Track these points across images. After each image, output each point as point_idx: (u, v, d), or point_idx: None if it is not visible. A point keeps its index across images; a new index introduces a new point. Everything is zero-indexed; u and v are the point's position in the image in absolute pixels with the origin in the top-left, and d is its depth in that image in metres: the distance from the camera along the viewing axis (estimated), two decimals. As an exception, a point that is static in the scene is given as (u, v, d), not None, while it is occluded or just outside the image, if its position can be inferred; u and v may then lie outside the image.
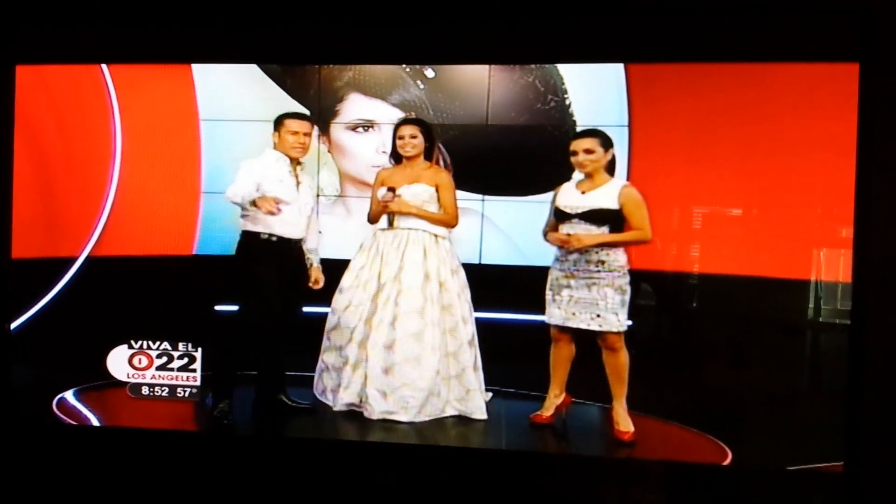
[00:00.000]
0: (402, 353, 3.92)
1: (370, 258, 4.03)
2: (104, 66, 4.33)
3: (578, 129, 4.12)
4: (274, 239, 3.92)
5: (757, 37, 3.65)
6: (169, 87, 4.43)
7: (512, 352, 4.00)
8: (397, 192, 3.97)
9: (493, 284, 4.05)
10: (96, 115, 4.38)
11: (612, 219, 3.71)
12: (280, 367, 4.12)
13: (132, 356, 3.99)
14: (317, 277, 4.11)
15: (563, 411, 3.93)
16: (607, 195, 3.72)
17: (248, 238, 3.94)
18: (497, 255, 4.25)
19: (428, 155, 4.08)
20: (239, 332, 3.97)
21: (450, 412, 4.00)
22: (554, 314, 3.83)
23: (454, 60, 4.25)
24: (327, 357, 4.10)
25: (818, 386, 3.90)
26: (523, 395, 4.13)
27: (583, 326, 3.76)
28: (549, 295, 3.85)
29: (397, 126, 4.09)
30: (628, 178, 4.09)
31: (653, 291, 4.18)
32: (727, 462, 3.63)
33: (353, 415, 3.97)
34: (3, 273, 4.08)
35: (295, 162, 4.01)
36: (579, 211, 3.74)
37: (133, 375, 3.99)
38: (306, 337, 4.14)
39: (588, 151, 3.75)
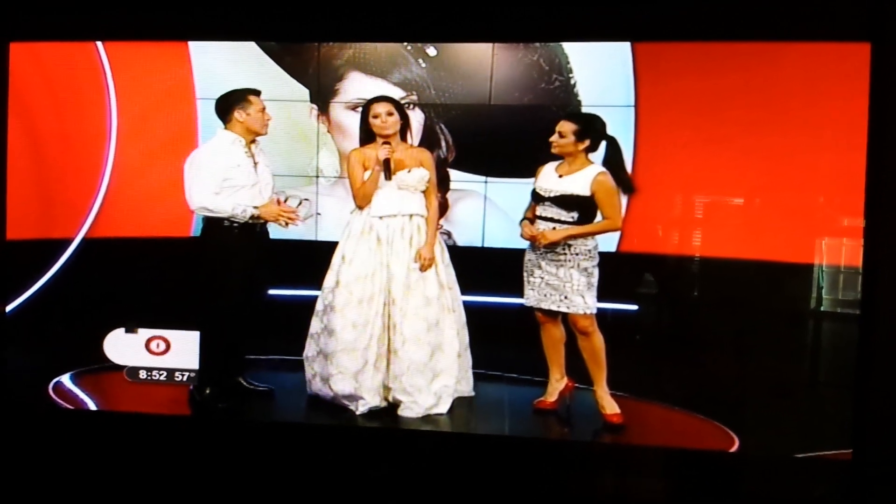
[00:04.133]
0: (429, 343, 3.78)
1: (370, 246, 3.80)
2: (99, 44, 4.26)
3: (583, 109, 4.07)
4: (236, 226, 3.76)
5: (766, 15, 3.58)
6: (165, 66, 4.37)
7: (515, 336, 3.95)
8: (396, 174, 3.82)
9: (496, 268, 4.00)
10: (91, 94, 4.33)
11: (582, 205, 3.63)
12: (241, 350, 4.03)
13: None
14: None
15: (566, 396, 3.88)
16: (581, 181, 3.64)
17: (211, 224, 3.78)
18: (500, 237, 4.20)
19: (403, 133, 3.89)
20: (206, 318, 3.89)
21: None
22: (529, 296, 3.80)
23: (457, 39, 4.19)
24: (342, 360, 3.77)
25: (826, 373, 3.88)
26: (527, 380, 4.09)
27: (553, 308, 3.72)
28: (524, 277, 3.82)
29: (369, 105, 3.84)
30: (634, 159, 4.04)
31: (658, 276, 4.14)
32: (734, 449, 3.60)
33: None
34: (-2, 255, 4.03)
35: (250, 141, 3.82)
36: (552, 195, 3.67)
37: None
38: (268, 320, 4.03)
39: (560, 134, 3.65)
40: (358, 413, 3.79)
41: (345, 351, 3.77)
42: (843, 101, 3.61)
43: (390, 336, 3.78)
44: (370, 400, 3.79)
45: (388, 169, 3.76)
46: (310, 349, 3.95)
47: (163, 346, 4.00)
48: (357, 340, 3.76)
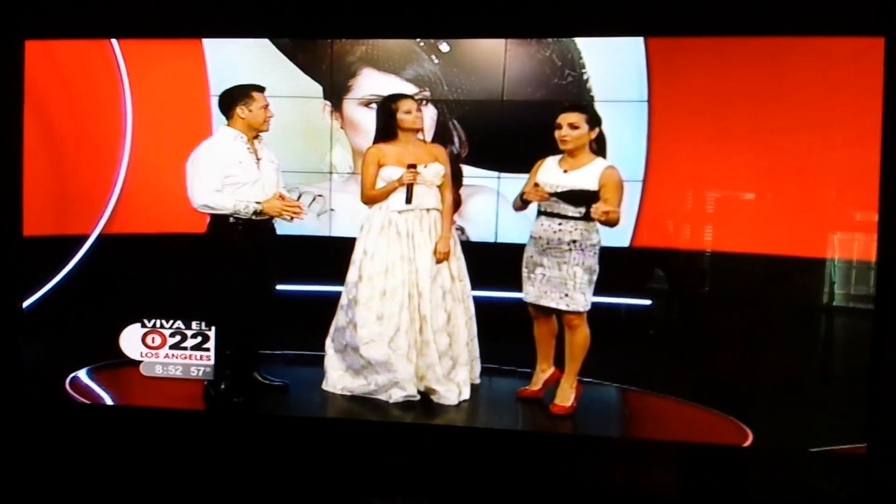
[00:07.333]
0: (459, 334, 3.95)
1: (389, 240, 3.87)
2: (114, 41, 4.28)
3: (596, 104, 4.07)
4: (240, 222, 3.77)
5: (779, 9, 3.57)
6: (180, 63, 4.39)
7: (527, 331, 3.95)
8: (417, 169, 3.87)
9: (508, 263, 4.00)
10: (106, 91, 4.34)
11: (591, 200, 3.59)
12: (255, 345, 4.05)
13: (145, 335, 3.97)
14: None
15: (550, 385, 3.91)
16: (589, 176, 3.63)
17: (217, 221, 3.80)
18: (513, 233, 4.20)
19: None
20: (217, 314, 3.91)
21: None
22: (529, 292, 3.81)
23: (469, 34, 4.19)
24: (370, 351, 3.85)
25: (840, 367, 3.87)
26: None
27: (552, 305, 3.72)
28: (524, 273, 3.83)
29: (399, 100, 3.90)
30: (647, 155, 4.04)
31: (671, 271, 4.14)
32: (748, 443, 3.60)
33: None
34: (15, 251, 4.05)
35: (252, 137, 3.85)
36: (559, 190, 3.66)
37: (146, 354, 3.97)
38: (282, 314, 4.05)
39: (572, 126, 3.64)
40: (392, 402, 3.85)
41: (372, 343, 3.85)
42: (858, 96, 3.59)
43: (422, 327, 3.86)
44: (407, 389, 3.85)
45: (410, 193, 3.83)
46: (336, 343, 4.01)
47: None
48: (382, 333, 3.84)
